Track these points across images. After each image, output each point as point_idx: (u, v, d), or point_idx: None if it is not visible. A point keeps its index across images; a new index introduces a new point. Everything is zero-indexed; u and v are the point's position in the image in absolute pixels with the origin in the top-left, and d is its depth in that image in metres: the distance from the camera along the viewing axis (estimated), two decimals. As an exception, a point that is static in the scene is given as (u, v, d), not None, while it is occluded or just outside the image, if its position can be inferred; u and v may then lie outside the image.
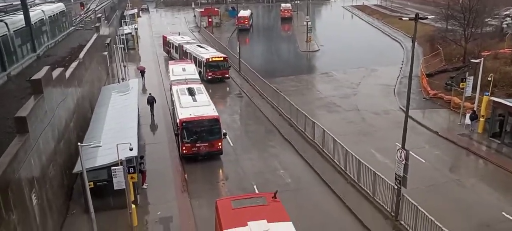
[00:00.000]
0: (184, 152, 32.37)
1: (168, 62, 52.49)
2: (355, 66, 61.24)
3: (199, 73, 49.53)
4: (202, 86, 39.92)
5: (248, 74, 54.05)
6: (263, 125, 40.57)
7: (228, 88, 50.19)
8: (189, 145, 32.31)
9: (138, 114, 36.35)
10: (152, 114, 42.72)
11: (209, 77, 53.43)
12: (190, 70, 46.13)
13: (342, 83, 52.96)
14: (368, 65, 61.54)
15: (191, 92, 37.52)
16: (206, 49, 57.55)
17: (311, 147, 35.77)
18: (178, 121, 32.55)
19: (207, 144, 32.68)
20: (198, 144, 32.48)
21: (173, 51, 64.25)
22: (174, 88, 38.82)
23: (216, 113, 32.72)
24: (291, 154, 35.18)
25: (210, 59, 53.60)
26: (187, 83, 40.84)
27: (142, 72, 54.21)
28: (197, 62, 54.58)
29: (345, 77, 55.55)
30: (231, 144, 37.05)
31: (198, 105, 34.02)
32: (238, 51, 58.63)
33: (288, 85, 52.33)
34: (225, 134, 32.82)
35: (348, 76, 56.20)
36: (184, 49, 59.47)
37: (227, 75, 53.86)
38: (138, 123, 33.42)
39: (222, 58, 53.88)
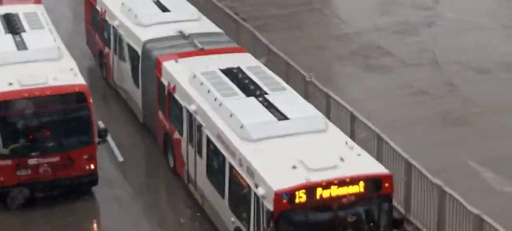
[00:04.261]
0: None
1: None
2: None
3: None
4: (41, 9, 25.93)
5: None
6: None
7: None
8: (9, 161, 20.60)
9: None
10: None
11: None
12: None
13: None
14: None
15: (9, 23, 24.77)
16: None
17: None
18: None
19: (57, 158, 20.80)
20: (34, 159, 20.63)
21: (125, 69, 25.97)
22: None
23: (80, 81, 21.12)
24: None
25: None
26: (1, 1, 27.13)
27: None
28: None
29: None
30: (121, 158, 23.62)
31: (30, 59, 22.04)
32: None
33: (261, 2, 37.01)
34: (103, 133, 20.90)
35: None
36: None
37: None
38: None
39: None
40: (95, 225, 21.40)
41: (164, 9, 23.62)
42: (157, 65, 20.73)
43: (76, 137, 20.72)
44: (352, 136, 22.13)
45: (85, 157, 20.90)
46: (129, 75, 23.56)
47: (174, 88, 19.53)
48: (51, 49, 22.14)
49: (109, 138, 23.03)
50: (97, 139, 20.56)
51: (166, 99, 20.26)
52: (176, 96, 19.30)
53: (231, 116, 16.75)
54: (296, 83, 26.19)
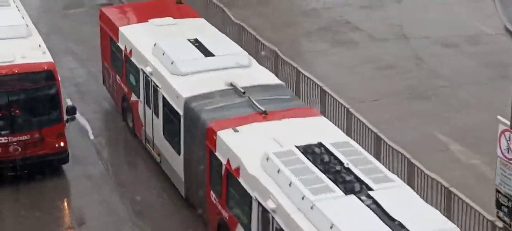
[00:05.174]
0: None
1: None
2: None
3: None
4: None
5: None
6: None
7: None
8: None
9: None
10: None
11: None
12: None
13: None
14: None
15: None
16: None
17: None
18: None
19: (27, 136, 20.91)
20: (3, 138, 20.66)
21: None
22: None
23: (48, 59, 20.95)
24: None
25: None
26: None
27: None
28: None
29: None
30: (92, 136, 23.89)
31: None
32: None
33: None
34: (71, 110, 20.68)
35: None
36: None
37: None
38: None
39: None
40: (66, 203, 20.89)
41: (206, 52, 18.97)
42: (209, 134, 15.87)
43: (45, 115, 20.41)
44: (324, 112, 22.00)
45: (55, 134, 20.54)
46: (166, 137, 19.08)
47: (237, 171, 14.74)
48: (19, 27, 21.55)
49: (79, 116, 22.36)
50: (65, 117, 20.36)
51: (223, 180, 15.53)
52: (242, 182, 14.54)
53: (331, 228, 12.20)
54: (265, 59, 25.63)
